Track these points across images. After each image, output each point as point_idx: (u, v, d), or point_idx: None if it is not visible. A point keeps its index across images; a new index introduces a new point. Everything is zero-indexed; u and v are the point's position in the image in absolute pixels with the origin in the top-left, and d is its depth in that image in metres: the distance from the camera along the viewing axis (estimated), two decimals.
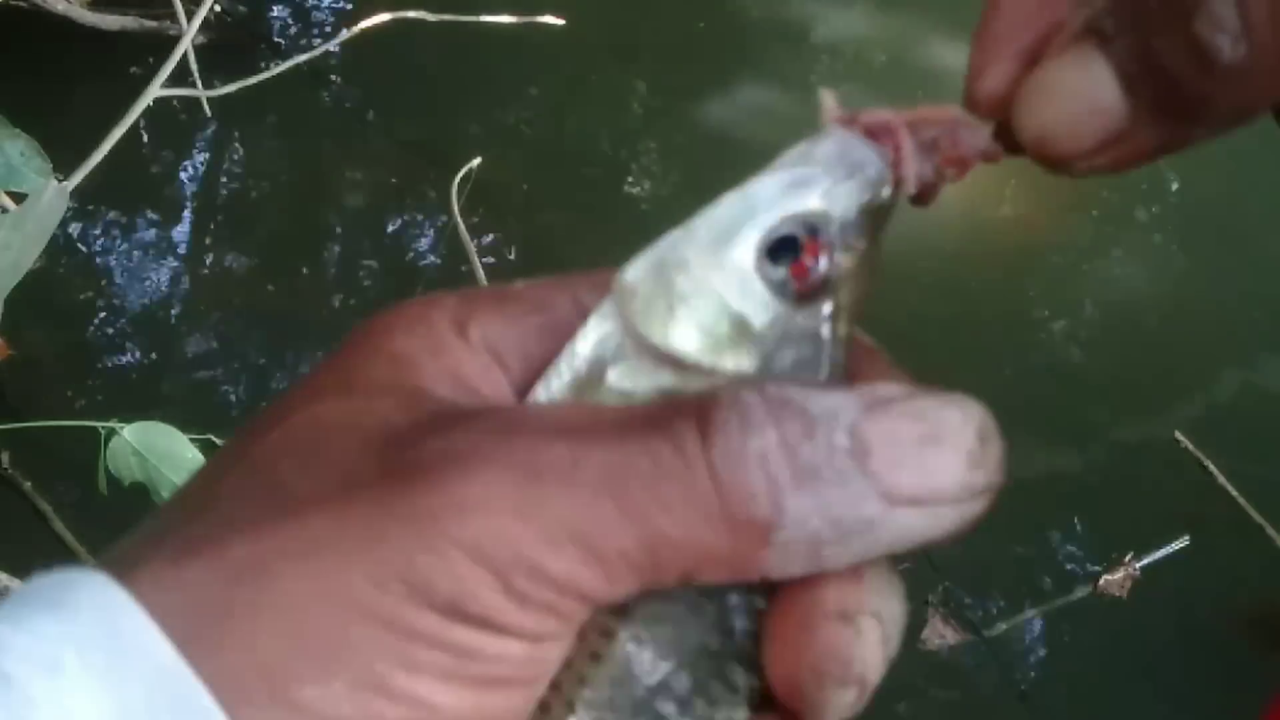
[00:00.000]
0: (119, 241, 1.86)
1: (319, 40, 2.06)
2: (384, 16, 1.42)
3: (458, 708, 0.23)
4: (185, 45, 1.18)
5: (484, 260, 1.34)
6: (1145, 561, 1.56)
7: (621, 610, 0.25)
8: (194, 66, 1.43)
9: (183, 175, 1.95)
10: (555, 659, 0.25)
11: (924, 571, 1.56)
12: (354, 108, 2.04)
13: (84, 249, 1.85)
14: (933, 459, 0.23)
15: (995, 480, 0.24)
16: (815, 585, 0.24)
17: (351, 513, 0.23)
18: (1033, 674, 1.56)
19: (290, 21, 2.13)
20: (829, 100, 0.27)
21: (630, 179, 1.97)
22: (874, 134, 0.27)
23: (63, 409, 1.58)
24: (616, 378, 0.26)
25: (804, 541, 0.23)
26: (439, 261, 1.79)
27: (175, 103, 1.85)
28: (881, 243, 0.27)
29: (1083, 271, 1.98)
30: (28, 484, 1.45)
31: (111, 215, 1.88)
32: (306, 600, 0.22)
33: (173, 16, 1.63)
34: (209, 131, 1.96)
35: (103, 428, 0.95)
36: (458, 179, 1.41)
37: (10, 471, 1.45)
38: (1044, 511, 1.69)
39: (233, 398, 1.74)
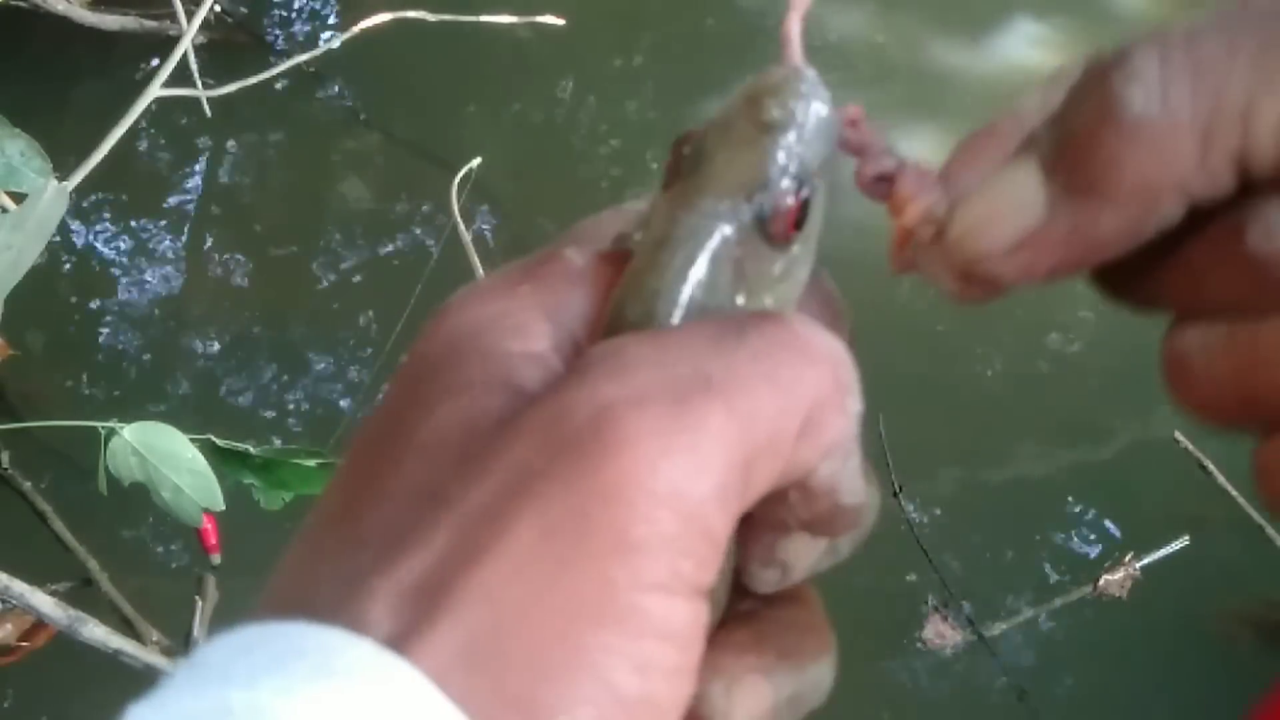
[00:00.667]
0: (119, 241, 1.86)
1: (319, 40, 2.06)
2: (384, 16, 1.42)
3: (675, 700, 0.22)
4: (185, 45, 1.18)
5: (484, 260, 1.33)
6: (1145, 561, 1.56)
7: None
8: (194, 66, 1.43)
9: (183, 175, 1.95)
10: None
11: (924, 571, 1.56)
12: (354, 108, 2.04)
13: (84, 249, 1.85)
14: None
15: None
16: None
17: (543, 508, 0.22)
18: (1033, 674, 1.55)
19: (290, 21, 2.14)
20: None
21: (630, 180, 1.97)
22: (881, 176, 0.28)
23: (63, 409, 1.58)
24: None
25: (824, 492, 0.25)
26: (439, 262, 1.79)
27: (175, 102, 1.85)
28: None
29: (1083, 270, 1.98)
30: (27, 484, 1.45)
31: (111, 215, 1.88)
32: (538, 624, 0.21)
33: (173, 16, 1.63)
34: (209, 131, 1.96)
35: (103, 428, 0.95)
36: (457, 179, 1.41)
37: (10, 471, 1.45)
38: (1044, 511, 1.69)
39: (233, 397, 1.74)
